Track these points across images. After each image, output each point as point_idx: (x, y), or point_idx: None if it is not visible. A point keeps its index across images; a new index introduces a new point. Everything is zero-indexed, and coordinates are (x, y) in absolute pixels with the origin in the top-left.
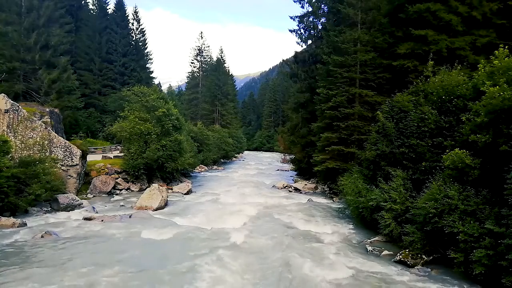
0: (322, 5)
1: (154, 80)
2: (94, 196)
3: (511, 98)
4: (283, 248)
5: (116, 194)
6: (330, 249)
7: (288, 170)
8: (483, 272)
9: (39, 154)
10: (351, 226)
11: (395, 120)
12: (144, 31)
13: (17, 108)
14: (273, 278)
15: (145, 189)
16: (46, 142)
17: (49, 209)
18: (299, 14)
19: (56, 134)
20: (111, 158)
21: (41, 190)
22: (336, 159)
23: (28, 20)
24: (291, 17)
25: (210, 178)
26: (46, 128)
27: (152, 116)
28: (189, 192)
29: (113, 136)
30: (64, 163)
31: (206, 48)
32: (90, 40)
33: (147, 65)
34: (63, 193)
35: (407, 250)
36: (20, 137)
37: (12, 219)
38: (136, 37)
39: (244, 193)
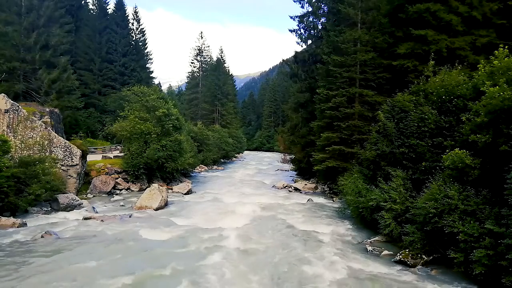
0: (322, 5)
1: (154, 80)
2: (94, 196)
3: (511, 98)
4: (283, 248)
5: (116, 194)
6: (330, 249)
7: (288, 170)
8: (483, 272)
9: (39, 154)
10: (351, 226)
11: (395, 120)
12: (144, 31)
13: (17, 108)
14: (273, 278)
15: (145, 189)
16: (46, 142)
17: (49, 209)
18: (299, 14)
19: (56, 134)
20: (111, 158)
21: (41, 190)
22: (336, 158)
23: (28, 20)
24: (291, 17)
25: (210, 178)
26: (46, 128)
27: (152, 116)
28: (189, 192)
29: (113, 136)
30: (64, 163)
31: (206, 48)
32: (90, 40)
33: (147, 65)
34: (63, 193)
35: (407, 250)
36: (20, 137)
37: (12, 219)
38: (136, 37)
39: (244, 193)
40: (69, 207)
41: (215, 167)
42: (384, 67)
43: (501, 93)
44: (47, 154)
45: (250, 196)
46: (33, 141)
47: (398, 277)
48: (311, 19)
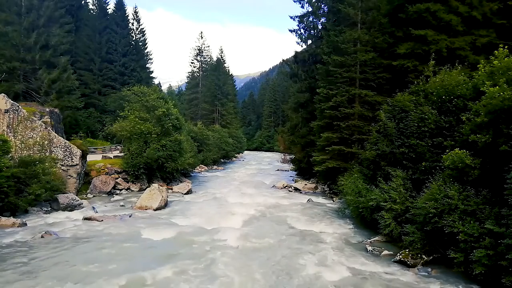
0: (322, 5)
1: (154, 80)
2: (94, 196)
3: (511, 98)
4: (283, 248)
5: (116, 194)
6: (330, 249)
7: (288, 170)
8: (483, 272)
9: (39, 154)
10: (351, 226)
11: (396, 120)
12: (144, 31)
13: (17, 108)
14: (273, 278)
15: (145, 189)
16: (46, 142)
17: (49, 209)
18: (299, 14)
19: (56, 134)
20: (111, 158)
21: (41, 190)
22: (336, 158)
23: (28, 20)
24: (291, 17)
25: (210, 178)
26: (46, 128)
27: (152, 116)
28: (189, 192)
29: (113, 136)
30: (64, 163)
31: (206, 48)
32: (90, 40)
33: (147, 65)
34: (63, 193)
35: (407, 250)
36: (20, 137)
37: (12, 219)
38: (136, 37)
39: (244, 193)
40: (69, 207)
41: (215, 167)
42: (384, 67)
43: (501, 93)
44: (47, 154)
45: (250, 196)
46: (33, 141)
47: (398, 277)
48: (311, 19)
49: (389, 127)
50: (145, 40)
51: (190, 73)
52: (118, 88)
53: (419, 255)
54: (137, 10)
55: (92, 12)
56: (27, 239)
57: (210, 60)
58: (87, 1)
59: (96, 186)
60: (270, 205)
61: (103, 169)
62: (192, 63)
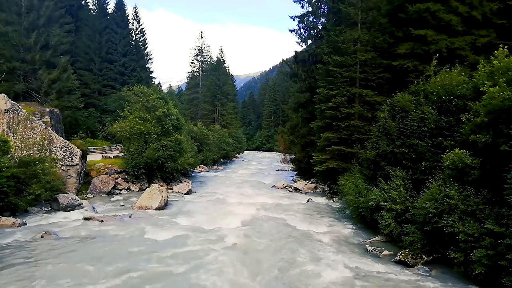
0: (322, 5)
1: (154, 80)
2: (94, 196)
3: (511, 98)
4: (283, 248)
5: (116, 194)
6: (330, 249)
7: (288, 170)
8: (483, 272)
9: (39, 154)
10: (351, 226)
11: (400, 120)
12: (144, 31)
13: (17, 108)
14: (272, 278)
15: (145, 189)
16: (46, 142)
17: (49, 209)
18: (299, 14)
19: (56, 134)
20: (111, 158)
21: (41, 190)
22: (336, 159)
23: (28, 20)
24: (291, 17)
25: (210, 178)
26: (46, 128)
27: (152, 116)
28: (189, 192)
29: (113, 136)
30: (64, 163)
31: (206, 48)
32: (90, 40)
33: (147, 65)
34: (63, 193)
35: (407, 250)
36: (20, 137)
37: (12, 219)
38: (136, 37)
39: (244, 193)
40: (69, 207)
41: (215, 167)
42: (384, 67)
43: (501, 93)
44: (47, 154)
45: (250, 196)
46: (33, 141)
47: (398, 277)
48: (311, 19)
49: (390, 126)
50: (145, 40)
51: (190, 73)
52: (118, 88)
53: (419, 255)
54: (137, 10)
55: (92, 12)
56: (27, 239)
57: (210, 60)
58: (87, 1)
59: (96, 186)
60: (270, 205)
61: (103, 169)
62: (192, 63)
